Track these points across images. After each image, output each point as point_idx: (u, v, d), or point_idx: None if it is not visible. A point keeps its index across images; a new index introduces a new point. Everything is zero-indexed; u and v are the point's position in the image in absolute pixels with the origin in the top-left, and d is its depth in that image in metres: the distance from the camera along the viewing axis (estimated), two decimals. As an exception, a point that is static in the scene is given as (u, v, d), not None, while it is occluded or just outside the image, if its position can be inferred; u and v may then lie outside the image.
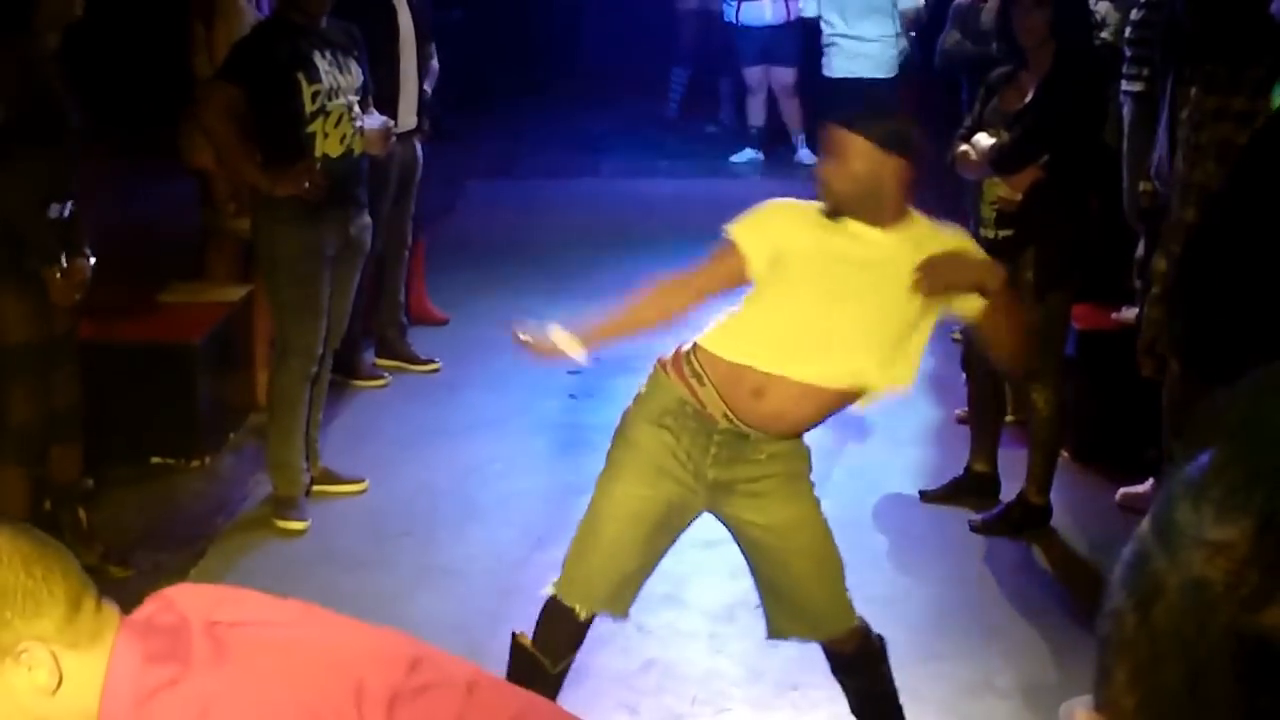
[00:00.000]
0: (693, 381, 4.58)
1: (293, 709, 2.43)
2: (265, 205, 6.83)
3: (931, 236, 4.61)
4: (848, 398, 4.60)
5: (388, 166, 8.33)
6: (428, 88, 8.82)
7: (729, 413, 4.54)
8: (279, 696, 2.43)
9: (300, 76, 6.70)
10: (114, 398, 7.20)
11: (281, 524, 6.93)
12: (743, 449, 4.63)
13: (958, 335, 8.14)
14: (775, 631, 4.88)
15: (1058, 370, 6.76)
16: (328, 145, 6.81)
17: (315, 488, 7.23)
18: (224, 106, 6.74)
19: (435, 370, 8.95)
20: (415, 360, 8.96)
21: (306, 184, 6.67)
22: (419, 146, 8.71)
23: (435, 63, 8.96)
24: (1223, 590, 0.72)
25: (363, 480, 7.35)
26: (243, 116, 6.74)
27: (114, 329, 7.51)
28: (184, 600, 2.58)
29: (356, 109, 6.93)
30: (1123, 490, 6.92)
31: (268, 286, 7.10)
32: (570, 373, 8.84)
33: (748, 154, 14.30)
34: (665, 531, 4.75)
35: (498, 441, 7.90)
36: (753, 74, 14.00)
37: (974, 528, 6.92)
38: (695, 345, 4.62)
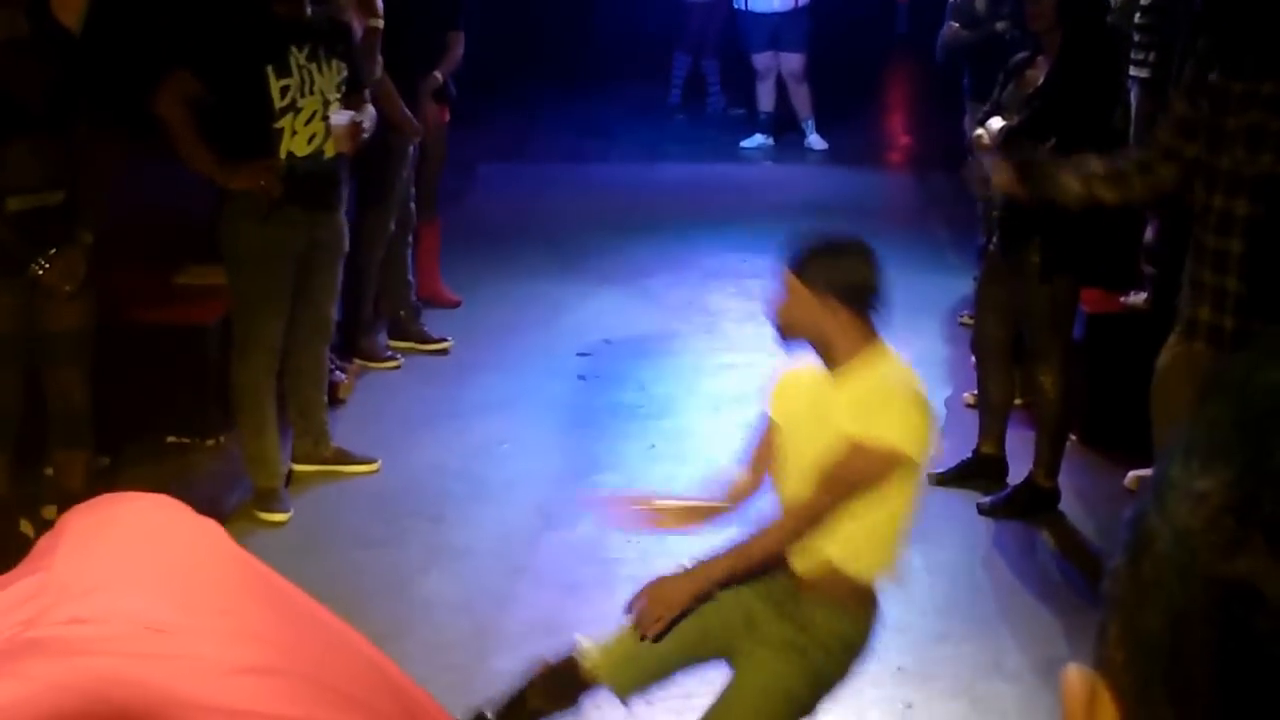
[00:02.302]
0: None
1: None
2: (227, 199, 6.74)
3: (856, 400, 4.47)
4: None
5: (407, 151, 8.39)
6: (439, 74, 8.87)
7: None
8: None
9: (269, 70, 6.59)
10: (129, 378, 7.24)
11: (264, 516, 6.90)
12: (768, 596, 4.54)
13: (966, 319, 8.18)
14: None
15: (1064, 354, 6.78)
16: (294, 143, 6.70)
17: (328, 468, 7.27)
18: (180, 94, 6.58)
19: (446, 351, 8.97)
20: (427, 341, 8.98)
21: (262, 182, 6.59)
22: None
23: (460, 51, 9.01)
24: (1201, 539, 0.73)
25: (375, 460, 7.38)
26: (206, 106, 6.62)
27: (129, 311, 7.55)
28: (69, 564, 2.53)
29: (335, 106, 6.81)
30: (1132, 473, 6.94)
31: (229, 280, 6.99)
32: (580, 354, 8.90)
33: (757, 139, 14.29)
34: (697, 639, 4.60)
35: (508, 422, 7.93)
36: (762, 59, 13.98)
37: (983, 510, 6.95)
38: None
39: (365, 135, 7.01)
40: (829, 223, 11.57)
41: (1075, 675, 0.83)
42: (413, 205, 8.83)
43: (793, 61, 13.82)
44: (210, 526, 2.91)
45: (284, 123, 6.64)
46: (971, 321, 7.39)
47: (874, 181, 13.34)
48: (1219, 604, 0.72)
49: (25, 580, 2.52)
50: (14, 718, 2.27)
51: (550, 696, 4.68)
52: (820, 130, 14.13)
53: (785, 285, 4.52)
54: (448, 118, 9.22)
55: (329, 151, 6.79)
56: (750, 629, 4.49)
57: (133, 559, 2.61)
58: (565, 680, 4.63)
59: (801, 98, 14.02)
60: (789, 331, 4.53)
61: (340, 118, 6.78)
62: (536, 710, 4.69)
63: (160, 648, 2.44)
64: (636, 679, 4.63)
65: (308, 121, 6.69)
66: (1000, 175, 6.07)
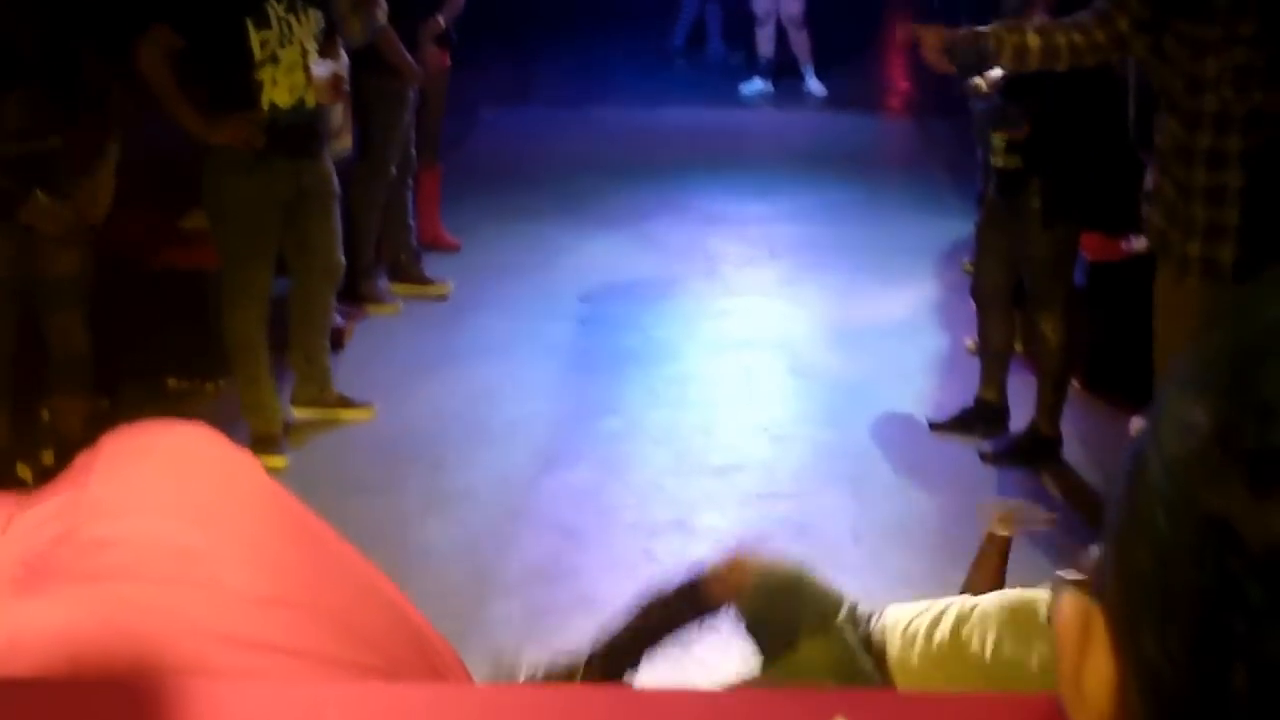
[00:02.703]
0: None
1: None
2: (210, 153, 6.70)
3: None
4: None
5: (408, 95, 8.38)
6: (440, 19, 8.84)
7: None
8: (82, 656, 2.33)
9: (247, 22, 6.54)
10: (131, 321, 7.26)
11: (262, 461, 6.88)
12: None
13: (968, 266, 8.17)
14: None
15: (1065, 300, 6.77)
16: (276, 94, 6.64)
17: (328, 412, 7.28)
18: (160, 49, 6.53)
19: (446, 295, 8.97)
20: (427, 285, 8.98)
21: (244, 135, 6.57)
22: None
23: None
24: (1187, 469, 0.73)
25: (372, 405, 7.38)
26: (187, 59, 6.58)
27: (133, 254, 7.55)
28: (103, 483, 2.53)
29: (314, 55, 6.75)
30: (1134, 420, 6.93)
31: (214, 233, 6.95)
32: (580, 298, 8.90)
33: (757, 84, 14.26)
34: None
35: (508, 366, 7.93)
36: (761, 4, 13.94)
37: (985, 458, 6.95)
38: None
39: (346, 86, 7.00)
40: (828, 167, 11.59)
41: (1070, 601, 0.82)
42: (414, 150, 8.82)
43: (792, 6, 13.77)
44: (246, 460, 2.92)
45: (264, 74, 6.61)
46: (973, 269, 7.38)
47: (873, 126, 13.32)
48: (1200, 537, 0.71)
49: (60, 497, 2.54)
50: (32, 638, 2.28)
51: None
52: (819, 75, 14.10)
53: None
54: (449, 62, 9.18)
55: (310, 101, 6.76)
56: None
57: (166, 484, 2.62)
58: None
59: (801, 43, 13.99)
60: None
61: (322, 69, 6.75)
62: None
63: (185, 573, 2.45)
64: None
65: (288, 72, 6.66)
66: (929, 48, 5.97)
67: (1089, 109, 6.58)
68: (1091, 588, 0.82)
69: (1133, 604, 0.76)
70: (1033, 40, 5.52)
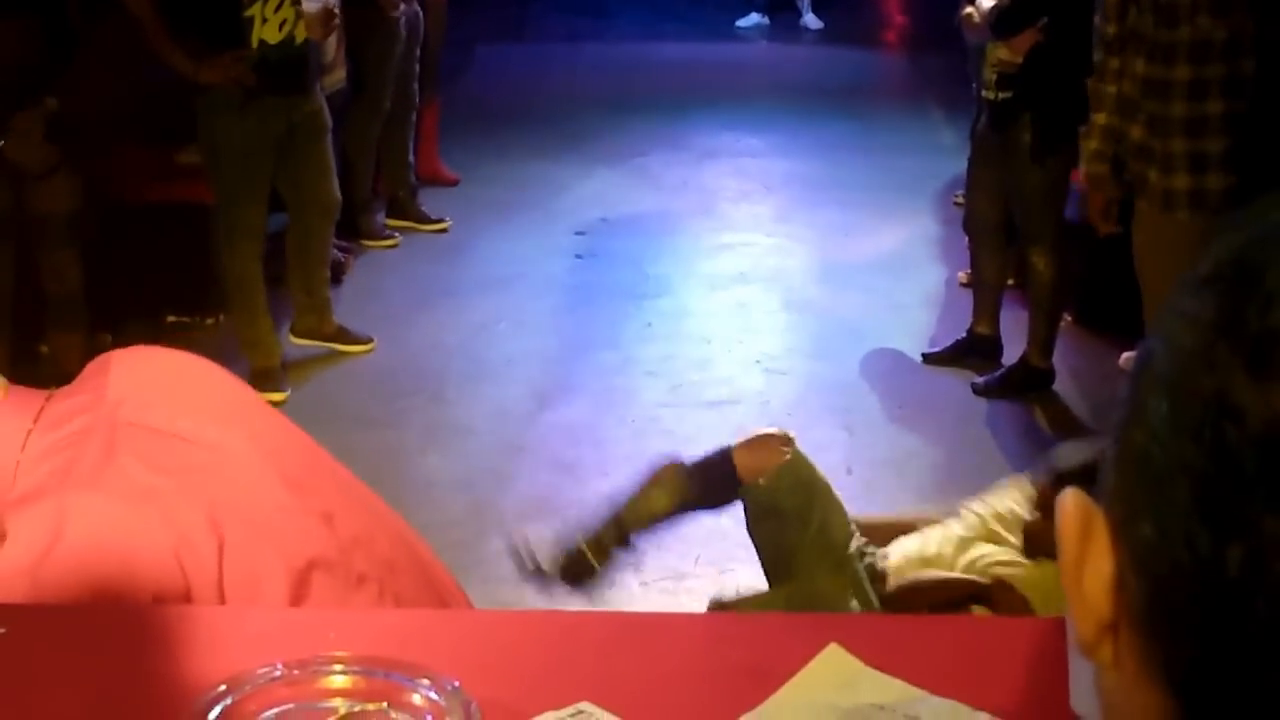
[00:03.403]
0: None
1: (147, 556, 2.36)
2: (201, 92, 6.67)
3: None
4: None
5: (397, 27, 8.38)
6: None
7: None
8: (135, 540, 2.35)
9: None
10: (130, 257, 7.29)
11: (262, 395, 6.90)
12: None
13: (959, 199, 8.21)
14: None
15: (1057, 233, 6.81)
16: (266, 31, 6.61)
17: (327, 344, 7.32)
18: None
19: (444, 230, 9.01)
20: (425, 220, 9.02)
21: (234, 74, 6.55)
22: (420, 4, 8.73)
23: None
24: (1188, 356, 0.75)
25: (371, 340, 7.42)
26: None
27: (130, 189, 7.57)
28: (121, 381, 2.56)
29: None
30: (1125, 354, 6.99)
31: (209, 172, 6.94)
32: (577, 233, 8.94)
33: (753, 18, 14.27)
34: None
35: (505, 301, 7.97)
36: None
37: (977, 390, 7.00)
38: None
39: (336, 21, 6.99)
40: (824, 102, 11.60)
41: (1072, 499, 0.82)
42: (415, 84, 8.83)
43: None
44: (249, 388, 2.96)
45: (253, 10, 6.57)
46: (965, 201, 7.42)
47: (869, 61, 13.33)
48: (1200, 419, 0.72)
49: (84, 394, 2.56)
50: (78, 529, 2.30)
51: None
52: (816, 10, 14.10)
53: None
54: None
55: (300, 36, 6.74)
56: None
57: (185, 387, 2.65)
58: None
59: (798, -24, 14.00)
60: None
61: (312, 4, 6.73)
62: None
63: (216, 465, 2.49)
64: None
65: (277, 8, 6.62)
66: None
67: (1082, 43, 6.61)
68: (1097, 491, 0.82)
69: (1132, 491, 0.77)
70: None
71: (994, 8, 6.55)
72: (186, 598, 2.37)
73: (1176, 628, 0.74)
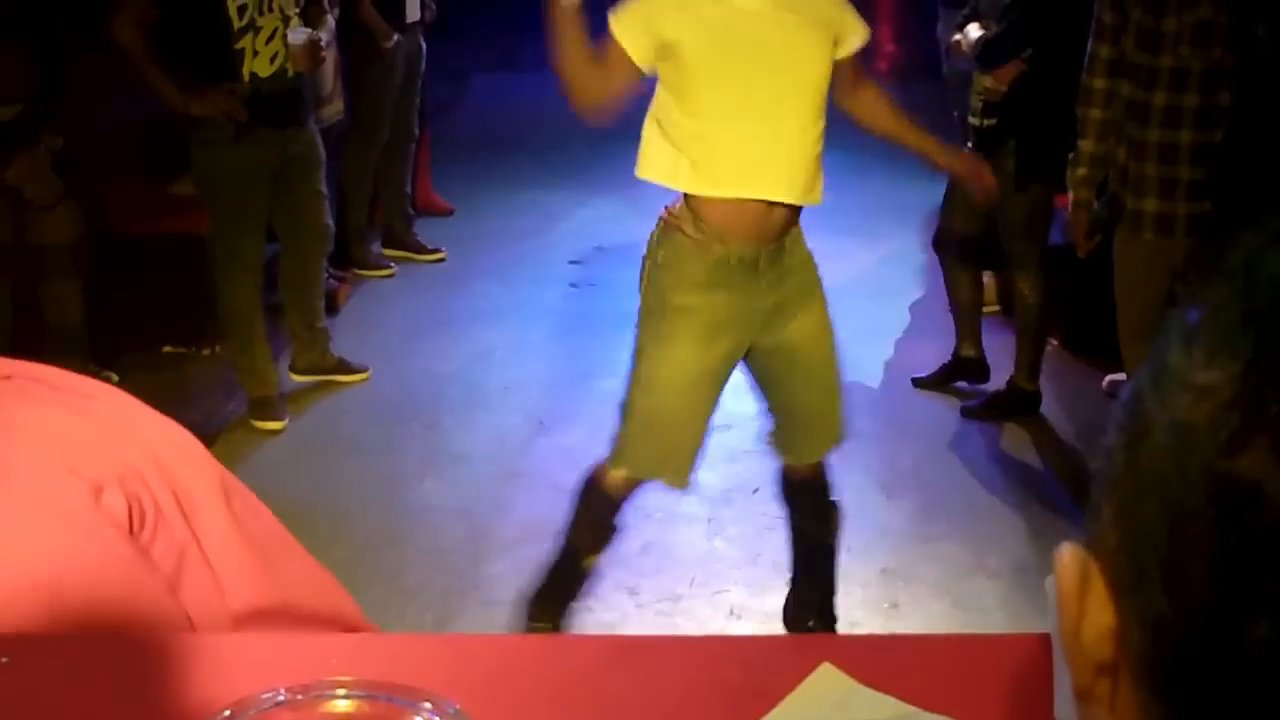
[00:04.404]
0: (711, 235, 4.53)
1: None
2: (194, 125, 6.65)
3: None
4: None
5: (394, 59, 8.42)
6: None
7: (752, 243, 4.54)
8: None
9: None
10: (125, 288, 7.32)
11: (260, 425, 6.95)
12: (779, 265, 4.63)
13: None
14: (792, 456, 4.90)
15: (1040, 258, 6.88)
16: (257, 64, 6.62)
17: (327, 377, 7.35)
18: (135, 17, 6.45)
19: (441, 260, 9.06)
20: (421, 250, 9.06)
21: (224, 108, 6.53)
22: (423, 38, 8.78)
23: None
24: (1204, 434, 0.72)
25: (367, 369, 7.45)
26: (165, 30, 6.51)
27: (126, 220, 7.61)
28: None
29: (295, 21, 6.71)
30: (1109, 377, 7.07)
31: (205, 205, 6.93)
32: (572, 262, 8.98)
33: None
34: (719, 388, 4.73)
35: (501, 330, 8.01)
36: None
37: (966, 413, 7.06)
38: (686, 197, 4.57)
39: (325, 53, 6.96)
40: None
41: (1070, 554, 0.81)
42: (414, 116, 8.86)
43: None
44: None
45: (244, 43, 6.55)
46: (939, 219, 7.44)
47: (861, 88, 13.35)
48: (1219, 500, 0.71)
49: None
50: None
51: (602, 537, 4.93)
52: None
53: None
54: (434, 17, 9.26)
55: (291, 68, 6.72)
56: (779, 312, 4.64)
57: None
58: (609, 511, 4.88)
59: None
60: None
61: (297, 36, 6.68)
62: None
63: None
64: (695, 458, 4.75)
65: (269, 40, 6.60)
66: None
67: (1066, 73, 6.67)
68: (1087, 539, 0.82)
69: (1139, 558, 0.76)
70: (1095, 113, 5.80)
71: (979, 39, 6.62)
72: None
73: (1187, 693, 0.74)
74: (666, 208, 4.58)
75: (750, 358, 4.74)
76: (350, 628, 2.85)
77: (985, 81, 6.72)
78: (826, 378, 4.77)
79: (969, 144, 6.97)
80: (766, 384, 4.84)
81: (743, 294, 4.54)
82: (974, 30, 6.69)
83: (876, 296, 8.47)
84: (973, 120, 6.84)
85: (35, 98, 6.30)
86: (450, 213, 9.74)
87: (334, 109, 7.93)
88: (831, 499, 4.97)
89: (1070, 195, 6.06)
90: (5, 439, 2.16)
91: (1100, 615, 0.79)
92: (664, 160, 4.53)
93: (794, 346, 4.68)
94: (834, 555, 5.04)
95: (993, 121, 6.70)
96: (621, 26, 4.49)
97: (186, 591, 2.37)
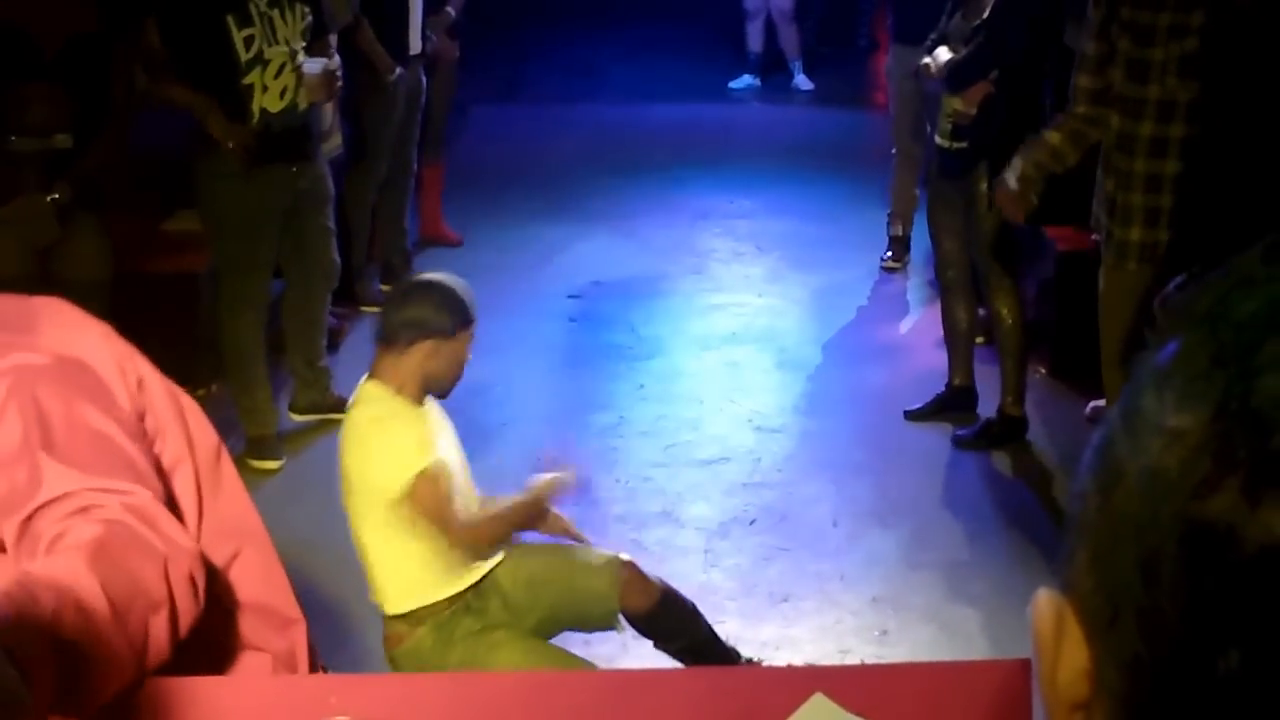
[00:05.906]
0: None
1: None
2: (200, 157, 6.62)
3: None
4: None
5: (395, 92, 8.43)
6: (452, 10, 8.96)
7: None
8: None
9: (229, 19, 6.39)
10: (118, 325, 7.29)
11: (257, 464, 6.90)
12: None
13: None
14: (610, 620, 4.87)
15: (1014, 277, 6.95)
16: (267, 99, 6.56)
17: (328, 415, 7.35)
18: (140, 53, 6.47)
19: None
20: (419, 286, 9.08)
21: (232, 144, 6.49)
22: (424, 71, 8.79)
23: None
24: (1176, 478, 0.73)
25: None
26: (172, 66, 6.52)
27: (120, 259, 7.60)
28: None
29: (301, 55, 6.66)
30: (1092, 404, 7.11)
31: (210, 241, 6.91)
32: (570, 296, 9.00)
33: (745, 80, 14.34)
34: None
35: (500, 364, 8.01)
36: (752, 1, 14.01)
37: (957, 443, 7.10)
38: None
39: (339, 83, 6.91)
40: (815, 162, 11.67)
41: (1045, 600, 0.83)
42: (414, 150, 8.90)
43: (783, 1, 13.82)
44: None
45: (253, 78, 6.50)
46: (934, 249, 7.47)
47: (860, 122, 13.40)
48: (1191, 543, 0.72)
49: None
50: None
51: None
52: (807, 71, 14.19)
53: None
54: (458, 54, 9.26)
55: (303, 103, 6.68)
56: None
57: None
58: None
59: (790, 38, 14.05)
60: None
61: (313, 66, 6.64)
62: None
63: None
64: None
65: (277, 74, 6.55)
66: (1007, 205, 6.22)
67: (1034, 95, 6.71)
68: (1062, 583, 0.83)
69: (1112, 601, 0.77)
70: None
71: (948, 62, 6.68)
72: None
73: None
74: None
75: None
76: (283, 622, 2.88)
77: (955, 104, 6.77)
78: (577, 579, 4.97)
79: (935, 165, 7.04)
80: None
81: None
82: (943, 53, 6.76)
83: (878, 328, 8.51)
84: (941, 142, 6.89)
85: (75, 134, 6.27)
86: (459, 244, 9.75)
87: (333, 143, 7.93)
88: (683, 605, 4.87)
89: (1018, 169, 6.03)
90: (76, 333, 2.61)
91: (1075, 656, 0.80)
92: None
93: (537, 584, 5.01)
94: (712, 633, 4.93)
95: (963, 144, 6.76)
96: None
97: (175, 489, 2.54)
